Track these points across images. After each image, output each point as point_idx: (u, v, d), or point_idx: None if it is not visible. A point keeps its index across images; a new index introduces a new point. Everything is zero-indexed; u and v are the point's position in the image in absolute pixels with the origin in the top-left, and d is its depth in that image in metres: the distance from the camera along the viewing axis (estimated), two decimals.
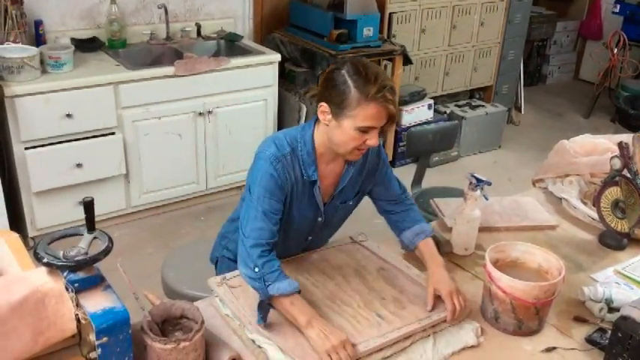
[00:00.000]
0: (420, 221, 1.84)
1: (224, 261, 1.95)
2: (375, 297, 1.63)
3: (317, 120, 1.66)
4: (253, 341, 1.44)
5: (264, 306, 1.48)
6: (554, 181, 2.29)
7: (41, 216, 3.20)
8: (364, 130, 1.56)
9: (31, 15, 3.33)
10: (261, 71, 3.68)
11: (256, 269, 1.52)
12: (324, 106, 1.59)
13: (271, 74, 3.73)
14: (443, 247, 1.87)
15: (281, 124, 3.94)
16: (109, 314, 1.20)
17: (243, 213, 1.64)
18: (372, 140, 1.58)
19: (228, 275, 1.65)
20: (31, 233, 3.22)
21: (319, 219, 1.78)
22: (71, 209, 3.22)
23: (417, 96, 4.43)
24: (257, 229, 1.58)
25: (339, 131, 1.58)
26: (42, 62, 3.07)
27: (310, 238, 1.85)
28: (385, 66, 4.38)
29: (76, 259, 1.23)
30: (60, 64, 3.11)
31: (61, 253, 1.24)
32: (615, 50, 5.44)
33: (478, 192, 1.84)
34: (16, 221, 3.18)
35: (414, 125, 4.30)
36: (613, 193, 1.95)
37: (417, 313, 1.56)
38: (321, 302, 1.59)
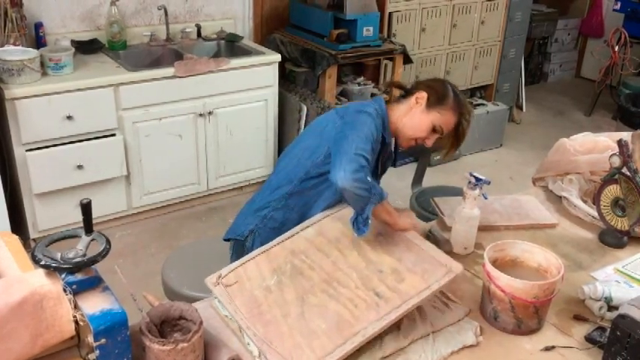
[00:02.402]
0: None
1: (264, 231, 1.93)
2: (373, 271, 1.59)
3: (386, 102, 1.92)
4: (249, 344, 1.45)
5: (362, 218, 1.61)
6: (555, 180, 2.29)
7: (43, 218, 3.21)
8: (434, 130, 1.86)
9: (31, 17, 3.34)
10: (262, 71, 3.68)
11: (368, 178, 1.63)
12: (423, 94, 1.87)
13: (271, 74, 3.73)
14: (442, 246, 1.87)
15: (281, 125, 3.94)
16: (107, 316, 1.20)
17: (343, 144, 1.72)
18: (430, 141, 1.89)
19: (223, 271, 1.63)
20: (32, 235, 3.23)
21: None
22: (72, 211, 3.22)
23: None
24: (366, 150, 1.69)
25: (423, 117, 1.86)
26: (42, 64, 3.08)
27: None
28: (385, 65, 4.38)
29: (74, 260, 1.23)
30: (60, 66, 3.12)
31: (59, 255, 1.24)
32: (616, 48, 5.43)
33: (477, 191, 1.84)
34: (18, 223, 3.19)
35: None
36: (613, 191, 1.95)
37: (416, 284, 1.53)
38: (318, 287, 1.56)
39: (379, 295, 1.52)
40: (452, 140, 1.92)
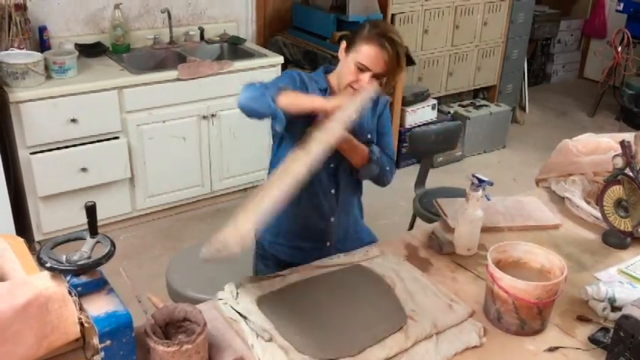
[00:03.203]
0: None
1: None
2: None
3: (327, 71, 1.96)
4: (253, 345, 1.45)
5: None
6: (557, 181, 2.29)
7: (47, 220, 3.22)
8: (361, 69, 1.81)
9: (35, 21, 3.35)
10: (265, 74, 3.68)
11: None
12: (343, 44, 1.88)
13: (274, 76, 3.73)
14: (445, 248, 1.88)
15: None
16: (112, 318, 1.21)
17: None
18: (365, 82, 1.81)
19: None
20: (37, 237, 3.24)
21: None
22: (77, 213, 3.23)
23: (420, 96, 4.44)
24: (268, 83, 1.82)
25: (345, 62, 1.85)
26: (46, 68, 3.10)
27: (333, 165, 1.93)
28: None
29: (79, 263, 1.24)
30: (64, 69, 3.13)
31: (64, 258, 1.25)
32: (619, 48, 5.42)
33: (480, 192, 1.84)
34: (23, 226, 3.21)
35: (418, 126, 4.30)
36: (616, 192, 1.95)
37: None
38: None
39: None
40: (390, 66, 1.82)
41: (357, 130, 1.89)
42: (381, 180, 2.01)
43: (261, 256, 2.11)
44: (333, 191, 1.99)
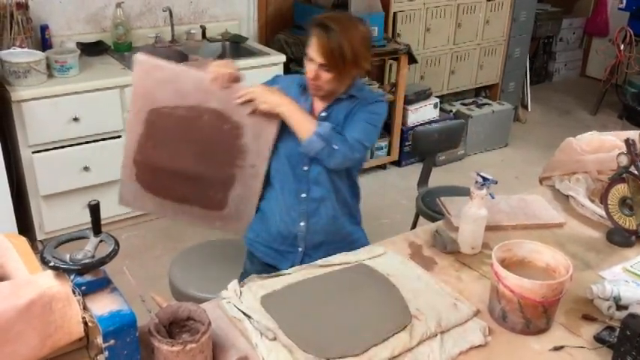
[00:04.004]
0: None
1: (254, 222, 2.09)
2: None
3: None
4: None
5: None
6: (561, 179, 2.28)
7: (49, 219, 3.22)
8: (309, 59, 1.81)
9: (36, 20, 3.35)
10: (267, 72, 3.66)
11: None
12: None
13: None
14: (449, 246, 1.87)
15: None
16: (116, 317, 1.20)
17: None
18: (311, 72, 1.82)
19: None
20: (39, 237, 3.24)
21: None
22: (79, 212, 3.23)
23: (422, 95, 4.43)
24: None
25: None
26: (48, 66, 3.09)
27: (306, 168, 1.93)
28: (390, 65, 4.38)
29: (83, 262, 1.23)
30: (66, 68, 3.13)
31: (67, 257, 1.24)
32: (622, 46, 5.41)
33: (484, 191, 1.83)
34: (25, 225, 3.20)
35: (420, 124, 4.30)
36: (620, 190, 1.94)
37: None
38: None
39: None
40: (330, 55, 1.78)
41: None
42: (328, 159, 1.84)
43: (248, 252, 2.12)
44: (303, 195, 1.95)
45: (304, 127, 1.83)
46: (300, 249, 2.00)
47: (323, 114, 1.92)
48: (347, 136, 1.85)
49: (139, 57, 1.93)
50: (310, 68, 1.82)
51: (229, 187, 2.00)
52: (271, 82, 2.01)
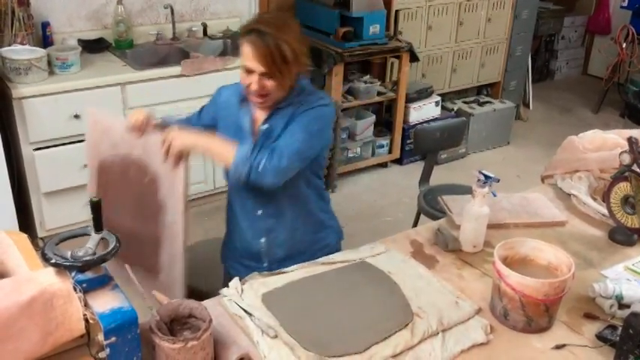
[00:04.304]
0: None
1: None
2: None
3: None
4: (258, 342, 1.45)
5: None
6: (563, 177, 2.28)
7: (50, 217, 3.22)
8: (247, 71, 1.72)
9: (38, 16, 3.34)
10: None
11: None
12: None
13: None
14: (451, 244, 1.87)
15: None
16: (117, 314, 1.20)
17: None
18: (252, 85, 1.72)
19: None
20: (40, 234, 3.23)
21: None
22: (80, 210, 3.22)
23: (424, 93, 4.42)
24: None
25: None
26: (49, 63, 3.09)
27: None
28: (392, 63, 4.38)
29: (84, 259, 1.23)
30: (67, 65, 3.12)
31: (68, 254, 1.24)
32: (624, 45, 5.40)
33: (486, 189, 1.83)
34: (26, 222, 3.20)
35: (422, 122, 4.29)
36: (623, 188, 1.94)
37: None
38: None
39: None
40: (269, 60, 1.68)
41: (268, 137, 1.81)
42: (261, 180, 1.71)
43: (224, 268, 2.12)
44: (259, 212, 1.90)
45: (224, 158, 1.73)
46: (265, 264, 1.95)
47: (263, 127, 1.82)
48: (278, 147, 1.71)
49: (88, 109, 1.96)
50: (251, 80, 1.71)
51: (158, 248, 1.83)
52: (216, 95, 1.97)
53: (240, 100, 1.86)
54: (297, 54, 1.73)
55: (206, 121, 1.97)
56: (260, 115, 1.85)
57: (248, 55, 1.69)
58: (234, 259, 2.03)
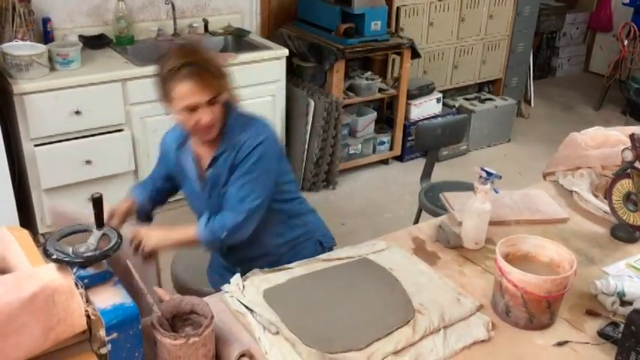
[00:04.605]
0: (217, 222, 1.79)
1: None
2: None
3: None
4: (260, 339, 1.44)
5: None
6: (565, 174, 2.27)
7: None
8: (191, 109, 1.65)
9: (38, 12, 3.33)
10: (269, 66, 3.67)
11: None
12: (157, 93, 1.72)
13: (279, 69, 3.72)
14: (453, 241, 1.86)
15: (289, 120, 3.93)
16: (119, 310, 1.20)
17: None
18: (203, 119, 1.67)
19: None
20: (41, 230, 3.23)
21: (200, 191, 1.88)
22: (81, 206, 3.19)
23: (425, 90, 4.42)
24: None
25: (176, 115, 1.70)
26: (50, 59, 3.08)
27: (201, 211, 1.89)
28: (393, 60, 4.37)
29: (86, 255, 1.23)
30: (68, 61, 3.12)
31: (70, 250, 1.24)
32: (626, 42, 5.39)
33: (488, 185, 1.82)
34: (26, 218, 3.20)
35: (423, 119, 4.29)
36: (625, 185, 1.93)
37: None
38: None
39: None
40: (209, 84, 1.66)
41: (215, 184, 1.82)
42: (231, 240, 1.77)
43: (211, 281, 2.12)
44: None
45: (192, 242, 1.79)
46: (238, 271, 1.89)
47: (208, 173, 1.82)
48: (230, 203, 1.76)
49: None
50: (198, 116, 1.66)
51: None
52: (161, 143, 1.95)
53: (178, 146, 1.87)
54: (224, 72, 1.73)
55: (163, 172, 1.99)
56: (202, 155, 1.84)
57: (187, 92, 1.63)
58: (216, 271, 2.08)
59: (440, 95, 4.51)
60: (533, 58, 5.60)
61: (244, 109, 1.87)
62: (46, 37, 3.34)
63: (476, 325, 1.54)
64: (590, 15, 6.38)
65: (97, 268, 1.25)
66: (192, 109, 1.65)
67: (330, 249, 2.05)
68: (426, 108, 4.43)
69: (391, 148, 4.39)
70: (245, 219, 1.76)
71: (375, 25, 3.88)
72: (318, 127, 3.81)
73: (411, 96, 4.30)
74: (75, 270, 1.24)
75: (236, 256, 1.93)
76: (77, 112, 3.09)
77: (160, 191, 2.03)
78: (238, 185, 1.76)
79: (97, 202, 1.29)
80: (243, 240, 1.81)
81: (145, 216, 2.01)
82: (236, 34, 3.92)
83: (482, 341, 1.50)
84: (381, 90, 4.19)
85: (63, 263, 1.22)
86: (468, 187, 1.93)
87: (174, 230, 1.81)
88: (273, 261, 1.86)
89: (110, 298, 1.23)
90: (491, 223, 1.90)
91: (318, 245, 2.02)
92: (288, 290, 1.62)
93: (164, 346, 1.28)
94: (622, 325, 1.41)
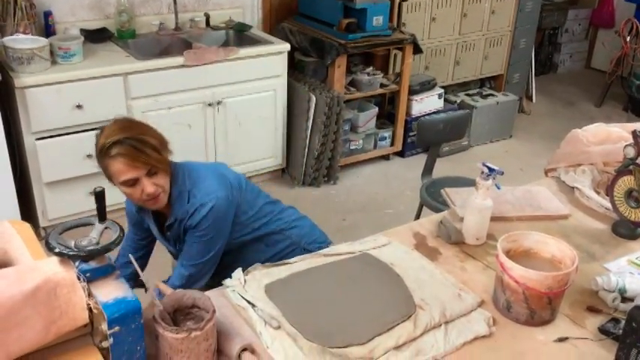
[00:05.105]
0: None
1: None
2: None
3: None
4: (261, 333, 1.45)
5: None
6: (567, 171, 2.27)
7: (52, 206, 3.22)
8: (131, 184, 1.69)
9: (40, 6, 3.33)
10: (271, 61, 3.67)
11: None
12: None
13: (280, 64, 3.71)
14: (454, 237, 1.86)
15: (290, 115, 3.93)
16: (121, 304, 1.20)
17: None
18: (146, 189, 1.70)
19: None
20: (42, 224, 3.24)
21: (169, 249, 1.97)
22: (82, 199, 3.23)
23: (427, 85, 4.41)
24: None
25: (120, 189, 1.74)
26: (52, 53, 3.08)
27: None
28: (395, 55, 4.36)
29: (88, 248, 1.23)
30: (70, 54, 3.12)
31: (72, 243, 1.24)
32: (628, 38, 5.38)
33: (490, 181, 1.82)
34: (28, 212, 3.20)
35: (425, 115, 4.28)
36: (626, 182, 1.93)
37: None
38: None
39: None
40: (140, 159, 1.69)
41: (178, 240, 1.89)
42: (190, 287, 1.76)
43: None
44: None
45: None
46: None
47: (168, 234, 1.89)
48: (181, 260, 1.86)
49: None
50: (141, 188, 1.70)
51: None
52: (126, 205, 1.99)
53: (137, 210, 1.92)
54: (160, 138, 1.76)
55: (134, 232, 2.03)
56: (160, 212, 1.88)
57: (122, 168, 1.66)
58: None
59: (441, 91, 4.50)
60: (535, 54, 5.59)
61: (192, 168, 1.88)
62: (48, 30, 3.34)
63: (477, 320, 1.54)
64: (592, 11, 6.36)
65: (99, 262, 1.25)
66: (132, 183, 1.69)
67: None
68: (427, 103, 4.42)
69: (392, 144, 4.39)
70: (195, 272, 1.85)
71: (377, 20, 3.87)
72: (319, 122, 3.81)
73: (412, 91, 4.30)
74: (77, 263, 1.24)
75: (224, 274, 1.88)
76: (78, 106, 3.09)
77: (142, 245, 2.05)
78: (190, 243, 1.84)
79: (99, 196, 1.29)
80: (225, 264, 1.89)
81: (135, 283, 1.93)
82: (237, 29, 3.92)
83: (483, 337, 1.50)
84: (382, 85, 4.18)
85: (65, 257, 1.22)
86: (470, 183, 1.93)
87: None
88: None
89: (112, 291, 1.23)
90: (493, 219, 1.90)
91: (306, 253, 2.01)
92: (290, 285, 1.62)
93: (166, 340, 1.28)
94: (623, 322, 1.41)
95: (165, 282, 1.79)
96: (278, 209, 2.05)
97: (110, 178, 1.72)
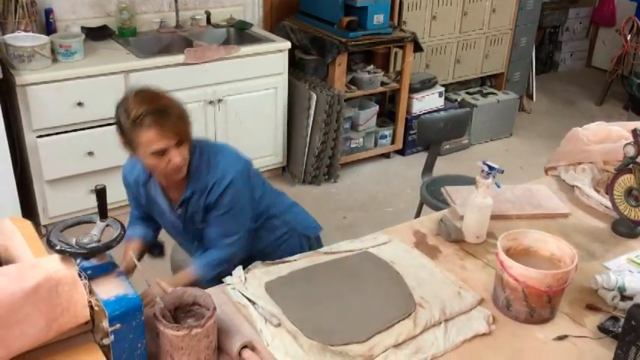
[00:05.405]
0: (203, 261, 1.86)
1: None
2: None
3: None
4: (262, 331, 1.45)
5: None
6: (567, 169, 2.27)
7: (53, 204, 3.22)
8: (160, 153, 1.67)
9: (41, 3, 3.33)
10: (271, 59, 3.67)
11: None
12: (120, 139, 1.73)
13: (281, 62, 3.71)
14: (454, 235, 1.87)
15: (291, 113, 3.93)
16: (122, 301, 1.21)
17: None
18: (174, 159, 1.68)
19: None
20: (43, 221, 3.24)
21: (176, 224, 1.92)
22: (83, 197, 3.23)
23: (427, 83, 4.41)
24: None
25: (142, 160, 1.73)
26: (53, 51, 3.08)
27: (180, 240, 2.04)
28: (396, 53, 4.36)
29: (89, 246, 1.24)
30: (71, 52, 3.12)
31: (73, 241, 1.24)
32: (629, 37, 5.37)
33: (490, 179, 1.83)
34: (29, 209, 3.21)
35: (425, 113, 4.28)
36: (626, 180, 1.93)
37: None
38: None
39: None
40: (172, 128, 1.68)
41: (191, 220, 1.88)
42: (229, 267, 1.75)
43: None
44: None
45: (192, 283, 1.77)
46: None
47: (179, 210, 1.86)
48: (215, 241, 1.85)
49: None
50: (168, 158, 1.68)
51: None
52: (124, 181, 2.01)
53: (143, 183, 1.90)
54: (185, 111, 1.75)
55: (139, 211, 2.04)
56: (169, 188, 1.86)
57: (154, 138, 1.64)
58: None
59: (442, 89, 4.50)
60: (536, 53, 5.58)
61: (208, 143, 1.89)
62: (49, 28, 3.34)
63: (476, 318, 1.54)
64: (593, 10, 6.36)
65: (100, 260, 1.26)
66: (162, 153, 1.67)
67: (317, 237, 2.09)
68: (428, 102, 4.42)
69: (393, 142, 4.39)
70: (231, 253, 1.85)
71: (378, 19, 3.87)
72: (319, 120, 3.81)
73: (413, 90, 4.30)
74: (78, 261, 1.24)
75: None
76: (79, 104, 3.09)
77: (150, 218, 2.03)
78: (218, 223, 1.84)
79: (101, 194, 1.30)
80: None
81: (155, 249, 2.03)
82: (238, 27, 3.92)
83: (483, 335, 1.51)
84: (383, 83, 4.18)
85: (66, 254, 1.23)
86: (470, 181, 1.93)
87: (177, 279, 1.80)
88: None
89: (113, 289, 1.23)
90: (493, 218, 1.90)
91: (303, 238, 2.06)
92: (290, 283, 1.62)
93: (166, 338, 1.28)
94: (622, 320, 1.42)
95: (200, 269, 1.81)
96: (275, 193, 2.08)
97: (135, 148, 1.68)
